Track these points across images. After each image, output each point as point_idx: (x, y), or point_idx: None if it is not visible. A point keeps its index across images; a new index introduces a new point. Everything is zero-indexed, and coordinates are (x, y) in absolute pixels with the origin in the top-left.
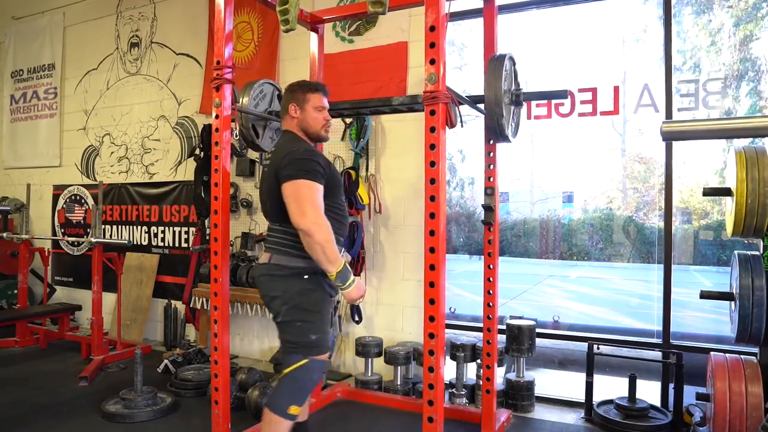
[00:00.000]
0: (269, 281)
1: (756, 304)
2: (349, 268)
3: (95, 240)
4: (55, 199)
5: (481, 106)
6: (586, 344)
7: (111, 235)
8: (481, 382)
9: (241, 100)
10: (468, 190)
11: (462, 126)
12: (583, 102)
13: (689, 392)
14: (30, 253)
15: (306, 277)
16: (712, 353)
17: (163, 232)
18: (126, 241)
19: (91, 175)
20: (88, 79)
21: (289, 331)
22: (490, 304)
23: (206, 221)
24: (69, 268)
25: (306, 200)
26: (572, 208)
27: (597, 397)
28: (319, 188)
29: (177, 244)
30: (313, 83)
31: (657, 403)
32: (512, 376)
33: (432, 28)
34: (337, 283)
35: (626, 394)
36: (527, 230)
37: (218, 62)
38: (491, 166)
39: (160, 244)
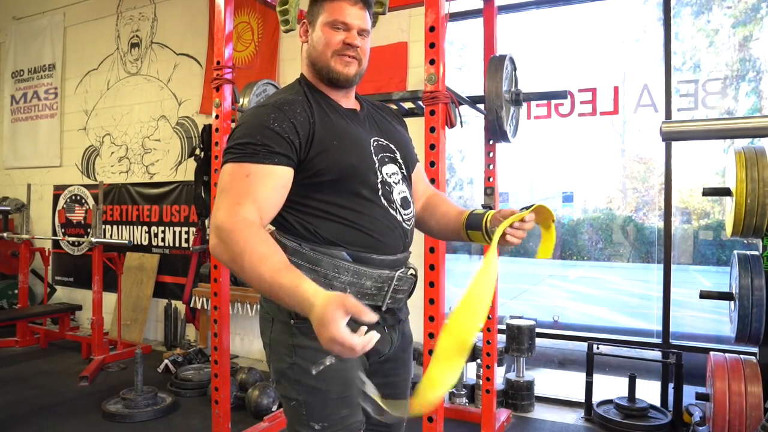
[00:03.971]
0: (259, 317)
1: (755, 304)
2: (310, 293)
3: (96, 240)
4: (56, 199)
5: (481, 106)
6: (585, 344)
7: (111, 235)
8: (480, 382)
9: (241, 100)
10: (468, 190)
11: (462, 126)
12: (582, 102)
13: (689, 392)
14: (30, 253)
15: (292, 321)
16: (711, 353)
17: (164, 232)
18: (126, 241)
19: (92, 175)
20: (88, 80)
21: (286, 411)
22: (490, 304)
23: (206, 221)
24: (69, 268)
25: (221, 193)
26: (572, 208)
27: (597, 397)
28: (253, 170)
29: (177, 244)
30: None
31: (657, 402)
32: (512, 375)
33: (432, 29)
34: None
35: (626, 394)
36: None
37: (218, 62)
38: (491, 166)
39: (161, 244)
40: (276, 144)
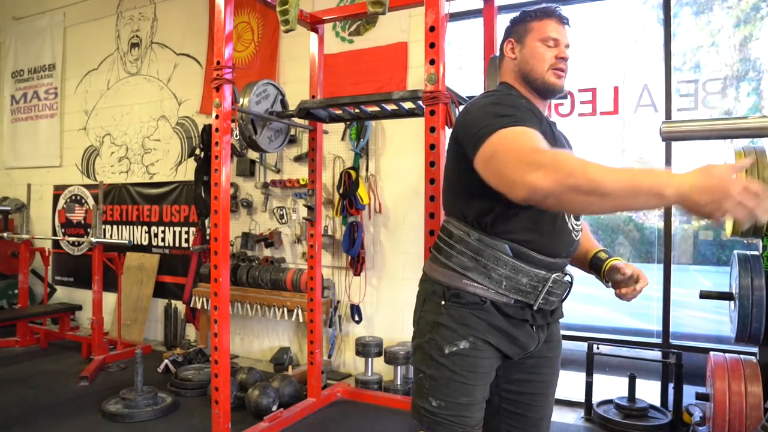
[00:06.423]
0: (417, 295)
1: (755, 304)
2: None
3: (96, 240)
4: (56, 199)
5: None
6: (586, 344)
7: (111, 235)
8: None
9: (241, 100)
10: None
11: None
12: (583, 102)
13: (689, 392)
14: (30, 253)
15: (443, 302)
16: (711, 353)
17: (164, 232)
18: (126, 241)
19: (92, 175)
20: (88, 80)
21: (414, 384)
22: None
23: (206, 221)
24: (69, 268)
25: (511, 150)
26: None
27: (597, 397)
28: (528, 130)
29: (177, 244)
30: (540, 7)
31: (657, 402)
32: None
33: (432, 29)
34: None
35: (626, 394)
36: None
37: (218, 62)
38: None
39: (161, 244)
40: (532, 118)
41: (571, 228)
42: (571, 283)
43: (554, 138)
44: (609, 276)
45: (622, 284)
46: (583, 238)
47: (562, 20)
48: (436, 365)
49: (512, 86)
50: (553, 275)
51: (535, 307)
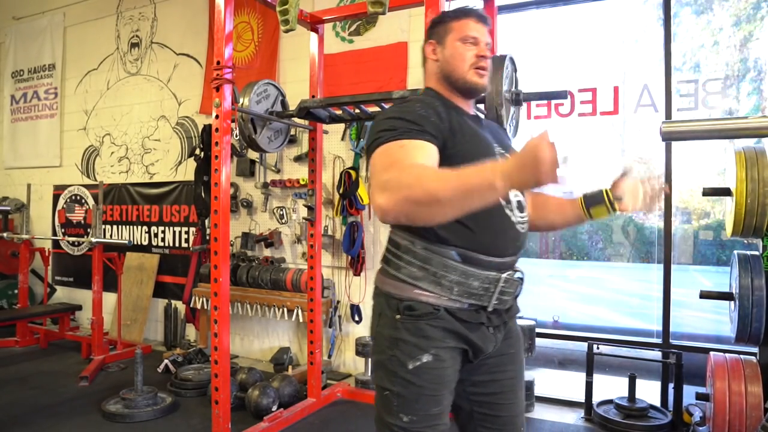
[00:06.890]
0: (372, 312)
1: (755, 304)
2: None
3: (95, 240)
4: (56, 199)
5: (481, 106)
6: (585, 344)
7: (111, 235)
8: None
9: (241, 100)
10: None
11: None
12: (583, 102)
13: (689, 392)
14: (30, 253)
15: (398, 317)
16: (711, 353)
17: (164, 232)
18: (126, 241)
19: (92, 175)
20: (88, 79)
21: (377, 401)
22: None
23: (206, 221)
24: (69, 268)
25: (377, 169)
26: None
27: (597, 397)
28: (407, 143)
29: (177, 244)
30: (459, 7)
31: (657, 402)
32: None
33: None
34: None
35: (626, 394)
36: None
37: (218, 62)
38: None
39: (161, 244)
40: (425, 124)
41: (515, 221)
42: (522, 279)
43: (476, 135)
44: (616, 194)
45: (628, 193)
46: (555, 198)
47: (481, 19)
48: (402, 382)
49: (433, 89)
50: (504, 275)
51: (489, 309)
